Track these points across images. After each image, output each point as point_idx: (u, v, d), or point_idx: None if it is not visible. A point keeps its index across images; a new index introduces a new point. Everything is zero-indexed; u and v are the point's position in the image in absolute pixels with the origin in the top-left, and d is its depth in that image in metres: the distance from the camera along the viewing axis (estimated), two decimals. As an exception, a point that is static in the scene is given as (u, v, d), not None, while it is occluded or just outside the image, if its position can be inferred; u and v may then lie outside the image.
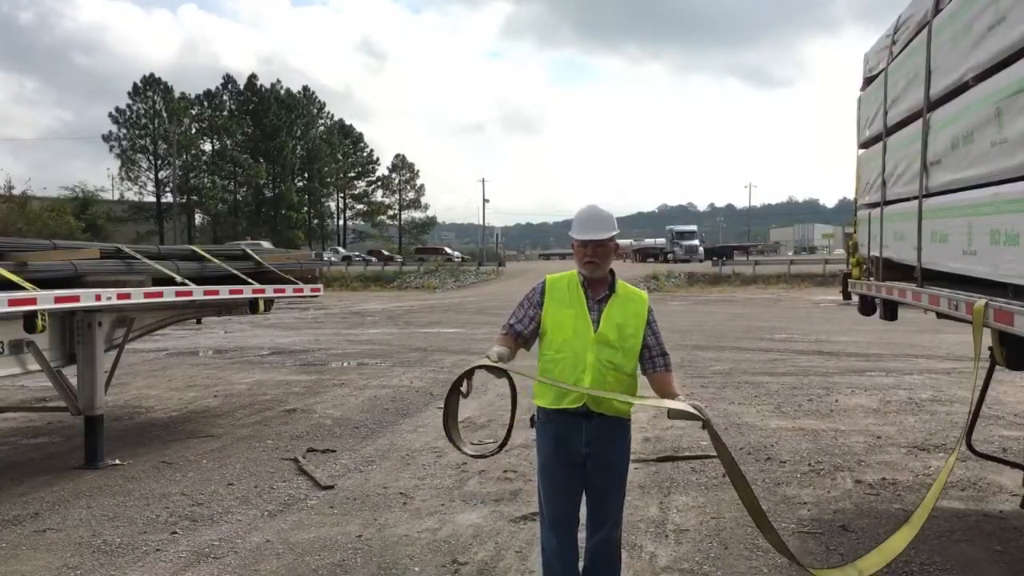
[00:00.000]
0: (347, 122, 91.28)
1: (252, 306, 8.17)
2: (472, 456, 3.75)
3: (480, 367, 3.35)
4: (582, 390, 3.33)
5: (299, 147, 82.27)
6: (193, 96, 76.23)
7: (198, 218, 77.00)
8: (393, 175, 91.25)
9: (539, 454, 3.55)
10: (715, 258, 53.51)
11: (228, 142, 76.47)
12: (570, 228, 3.54)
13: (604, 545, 3.52)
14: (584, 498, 3.54)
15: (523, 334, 3.52)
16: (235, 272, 7.99)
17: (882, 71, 5.98)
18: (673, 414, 3.30)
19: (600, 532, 3.51)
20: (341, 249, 74.57)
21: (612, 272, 3.53)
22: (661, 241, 71.00)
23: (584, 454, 3.41)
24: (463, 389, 3.37)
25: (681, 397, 3.39)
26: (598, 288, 3.49)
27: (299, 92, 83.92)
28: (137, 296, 6.44)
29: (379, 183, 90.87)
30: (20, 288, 5.45)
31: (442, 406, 3.56)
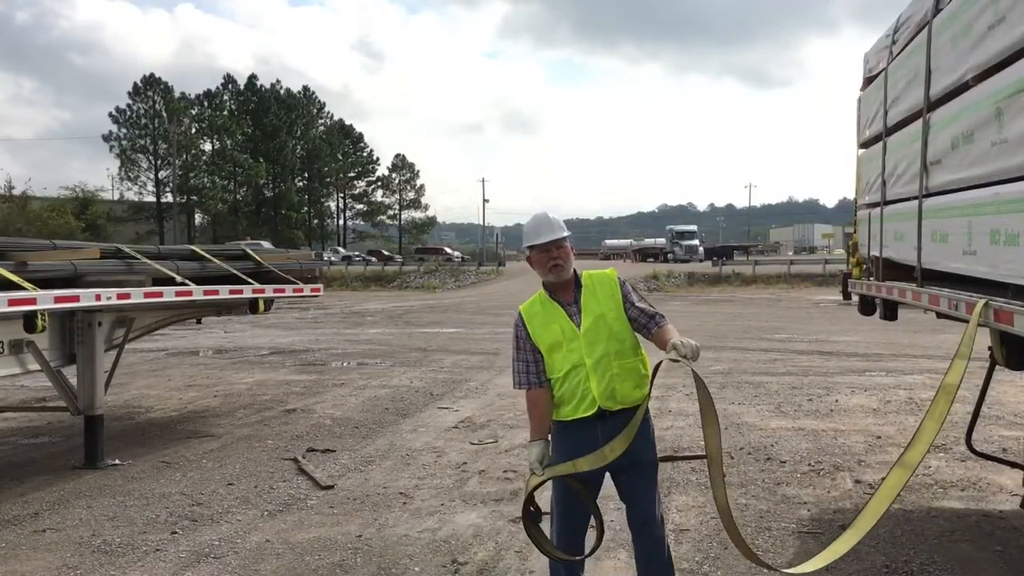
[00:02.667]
0: (346, 122, 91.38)
1: (252, 306, 8.17)
2: (565, 559, 3.51)
3: (536, 487, 3.39)
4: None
5: (299, 147, 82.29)
6: (193, 96, 76.36)
7: (198, 218, 76.98)
8: (393, 175, 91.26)
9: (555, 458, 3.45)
10: (715, 258, 53.49)
11: (228, 142, 76.42)
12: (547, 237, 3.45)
13: (657, 547, 3.42)
14: (624, 502, 3.49)
15: (541, 377, 3.45)
16: (235, 272, 7.98)
17: (882, 71, 5.98)
18: (668, 363, 3.24)
19: (646, 532, 3.42)
20: (341, 249, 74.55)
21: (575, 270, 3.50)
22: (661, 241, 71.09)
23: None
24: (533, 509, 3.42)
25: (674, 342, 3.26)
26: (567, 292, 3.46)
27: (299, 92, 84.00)
28: (137, 296, 6.44)
29: (379, 183, 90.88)
30: (20, 288, 5.45)
31: (520, 517, 3.63)
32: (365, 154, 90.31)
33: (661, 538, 3.46)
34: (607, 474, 3.47)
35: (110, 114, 71.13)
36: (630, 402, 3.36)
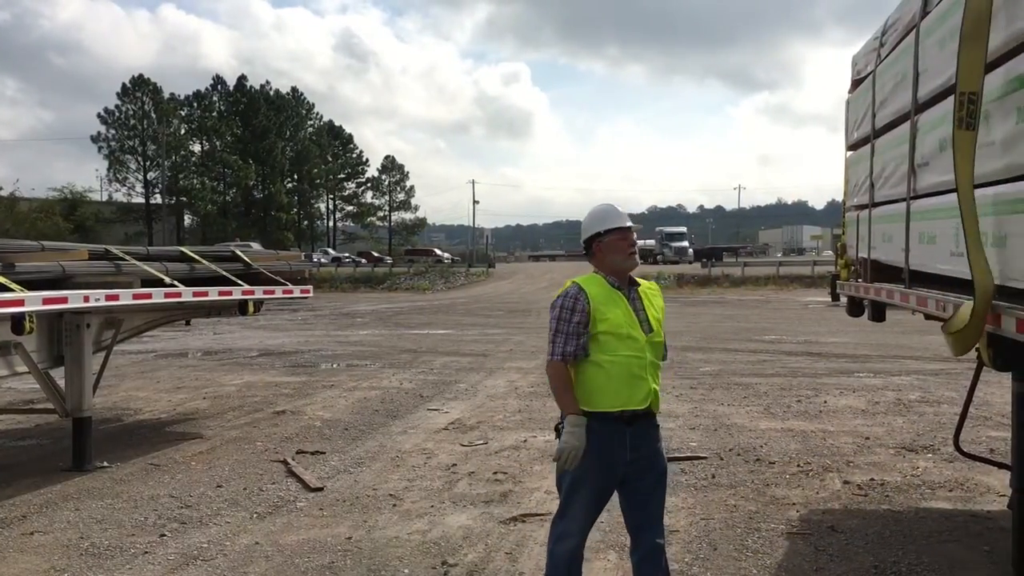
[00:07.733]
0: (335, 124, 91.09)
1: (241, 307, 8.14)
2: None
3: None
4: None
5: (288, 148, 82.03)
6: (182, 97, 76.00)
7: (187, 219, 76.65)
8: (383, 176, 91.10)
9: (576, 467, 3.23)
10: (704, 260, 53.66)
11: (217, 143, 76.10)
12: (592, 227, 3.38)
13: (658, 553, 3.33)
14: (629, 507, 3.36)
15: (586, 350, 3.24)
16: (224, 273, 7.96)
17: (870, 74, 6.01)
18: None
19: (650, 539, 3.33)
20: (331, 250, 74.39)
21: None
22: (651, 243, 71.21)
23: (627, 461, 3.24)
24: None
25: None
26: (626, 286, 3.35)
27: (288, 93, 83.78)
28: (125, 297, 6.41)
29: (369, 184, 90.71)
30: (8, 290, 5.42)
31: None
32: (354, 155, 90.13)
33: (663, 546, 3.39)
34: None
35: (98, 115, 70.67)
36: (656, 410, 3.31)
